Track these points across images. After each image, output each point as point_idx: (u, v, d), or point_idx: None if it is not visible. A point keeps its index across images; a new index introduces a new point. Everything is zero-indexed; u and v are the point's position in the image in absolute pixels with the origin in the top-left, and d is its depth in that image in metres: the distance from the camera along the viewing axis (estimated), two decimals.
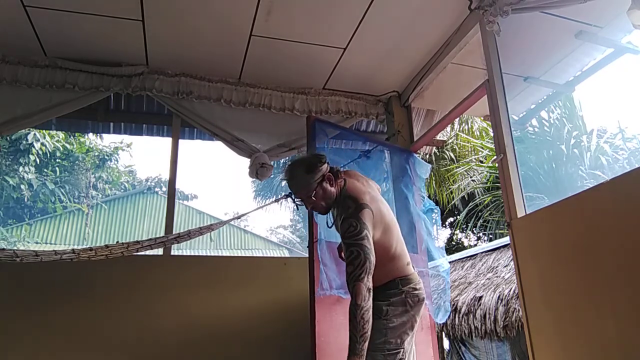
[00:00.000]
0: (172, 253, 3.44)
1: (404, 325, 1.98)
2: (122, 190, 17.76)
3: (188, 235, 3.12)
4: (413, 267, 2.17)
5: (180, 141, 3.79)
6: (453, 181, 11.18)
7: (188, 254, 13.84)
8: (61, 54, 3.34)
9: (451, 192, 11.31)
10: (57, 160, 14.31)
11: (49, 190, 13.64)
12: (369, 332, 1.82)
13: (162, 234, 3.30)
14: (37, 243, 14.17)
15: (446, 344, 7.81)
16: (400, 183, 3.55)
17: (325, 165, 2.15)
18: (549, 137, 10.20)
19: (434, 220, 3.50)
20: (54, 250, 2.67)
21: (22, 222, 14.66)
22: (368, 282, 1.83)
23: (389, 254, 2.08)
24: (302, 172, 2.12)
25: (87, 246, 2.77)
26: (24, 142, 12.07)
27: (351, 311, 1.82)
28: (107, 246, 2.74)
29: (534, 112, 4.57)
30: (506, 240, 6.47)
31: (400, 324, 1.97)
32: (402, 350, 1.94)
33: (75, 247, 3.22)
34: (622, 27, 3.22)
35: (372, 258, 1.87)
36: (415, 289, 2.05)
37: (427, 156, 8.38)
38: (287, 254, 17.30)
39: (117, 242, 2.85)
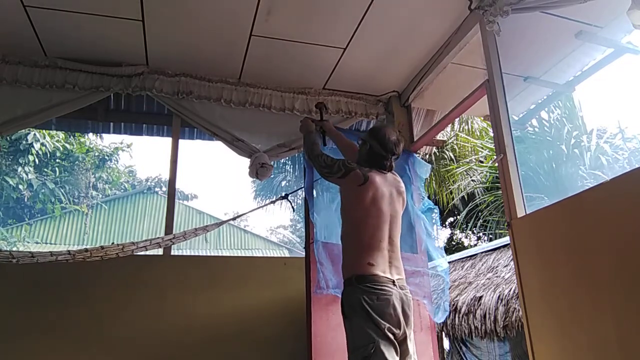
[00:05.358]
0: (172, 253, 3.45)
1: (366, 322, 1.98)
2: (122, 190, 17.75)
3: (183, 236, 3.13)
4: (384, 272, 2.10)
5: (180, 141, 3.80)
6: (453, 181, 11.17)
7: (188, 254, 13.84)
8: (61, 54, 3.34)
9: (451, 192, 11.30)
10: (57, 160, 14.28)
11: (49, 191, 13.61)
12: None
13: (162, 234, 3.30)
14: (37, 243, 14.17)
15: (446, 344, 7.80)
16: None
17: None
18: (549, 137, 10.21)
19: (433, 220, 3.49)
20: (49, 252, 2.66)
21: (22, 222, 14.66)
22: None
23: (360, 239, 2.13)
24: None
25: (83, 247, 2.78)
26: (24, 142, 12.04)
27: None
28: (102, 247, 2.74)
29: (534, 112, 4.57)
30: (506, 240, 6.47)
31: (360, 322, 1.99)
32: (372, 344, 1.94)
33: (75, 247, 3.23)
34: (622, 27, 3.22)
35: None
36: (374, 288, 2.03)
37: (427, 156, 8.38)
38: (287, 254, 17.29)
39: (112, 243, 2.86)
